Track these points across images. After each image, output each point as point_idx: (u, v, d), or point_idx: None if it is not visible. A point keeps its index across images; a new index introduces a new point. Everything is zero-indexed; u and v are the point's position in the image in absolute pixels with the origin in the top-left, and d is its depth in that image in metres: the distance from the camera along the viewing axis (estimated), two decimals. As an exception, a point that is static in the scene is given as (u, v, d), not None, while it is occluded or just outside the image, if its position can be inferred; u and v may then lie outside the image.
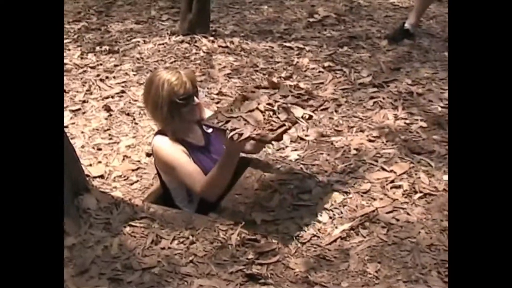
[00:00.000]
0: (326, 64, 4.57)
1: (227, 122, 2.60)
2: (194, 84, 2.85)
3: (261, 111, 2.63)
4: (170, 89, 2.76)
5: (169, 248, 2.66)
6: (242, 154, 3.00)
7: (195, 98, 2.84)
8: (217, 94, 4.22)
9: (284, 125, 2.56)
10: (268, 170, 3.23)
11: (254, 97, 2.78)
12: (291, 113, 2.62)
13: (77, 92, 4.41)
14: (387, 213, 2.80)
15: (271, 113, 2.62)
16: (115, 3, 7.26)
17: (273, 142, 3.20)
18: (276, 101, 2.71)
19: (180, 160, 2.84)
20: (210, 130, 2.86)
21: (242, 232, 2.72)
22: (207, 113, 3.01)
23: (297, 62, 4.69)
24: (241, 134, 2.49)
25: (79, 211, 2.85)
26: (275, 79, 2.96)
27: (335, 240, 2.65)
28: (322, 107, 3.88)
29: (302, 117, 2.63)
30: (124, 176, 3.28)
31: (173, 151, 2.86)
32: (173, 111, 2.81)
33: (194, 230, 2.76)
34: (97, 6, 7.10)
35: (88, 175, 3.20)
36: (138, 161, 3.45)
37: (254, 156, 3.42)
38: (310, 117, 2.69)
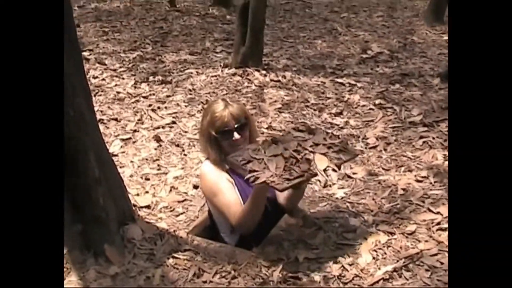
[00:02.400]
0: (377, 102, 4.55)
1: (249, 162, 2.61)
2: (239, 119, 2.87)
3: (285, 157, 2.60)
4: (210, 121, 2.83)
5: (210, 282, 2.66)
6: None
7: (234, 133, 2.85)
8: (266, 128, 4.25)
9: (303, 175, 2.53)
10: (313, 207, 3.21)
11: (285, 140, 2.75)
12: (314, 165, 2.58)
13: (128, 121, 4.51)
14: (431, 255, 2.73)
15: (294, 161, 2.59)
16: (170, 33, 7.44)
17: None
18: (305, 148, 2.68)
19: (222, 187, 2.87)
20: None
21: (284, 269, 2.70)
22: None
23: (348, 98, 4.68)
24: (257, 178, 2.50)
25: (124, 240, 2.89)
26: (313, 126, 2.90)
27: (377, 282, 2.60)
28: (370, 146, 3.88)
29: (325, 170, 2.58)
30: (170, 208, 3.32)
31: (217, 178, 2.89)
32: (212, 143, 2.87)
33: (236, 265, 2.76)
34: (152, 36, 7.30)
35: (135, 205, 3.25)
36: (185, 193, 3.49)
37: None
38: (334, 170, 2.64)
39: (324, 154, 2.66)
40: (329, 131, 4.14)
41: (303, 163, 2.59)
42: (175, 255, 2.83)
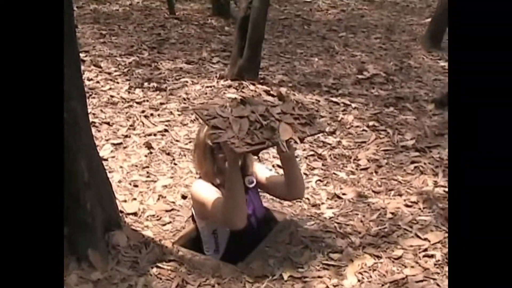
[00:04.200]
0: (370, 123, 4.55)
1: (214, 118, 2.57)
2: None
3: (250, 121, 2.57)
4: (207, 132, 2.76)
5: (193, 294, 2.64)
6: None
7: None
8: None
9: (263, 142, 2.51)
10: (301, 226, 3.19)
11: (253, 103, 2.71)
12: (277, 134, 2.55)
13: (120, 126, 4.48)
14: (417, 282, 2.72)
15: (258, 125, 2.56)
16: (168, 40, 7.42)
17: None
18: (272, 115, 2.63)
19: (207, 193, 2.84)
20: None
21: (268, 287, 2.68)
22: (256, 166, 3.03)
23: (342, 118, 4.68)
24: (219, 136, 2.49)
25: (109, 246, 2.86)
26: (285, 92, 2.88)
27: (361, 305, 2.59)
28: (361, 168, 3.88)
29: (287, 141, 2.55)
30: (157, 216, 3.29)
31: (204, 188, 2.87)
32: (206, 154, 2.83)
33: (220, 279, 2.74)
34: (150, 42, 7.28)
35: (121, 211, 3.21)
36: (173, 202, 3.46)
37: (288, 210, 3.41)
38: (296, 143, 2.62)
39: (289, 124, 2.61)
40: (320, 150, 4.15)
41: (267, 130, 2.55)
42: (159, 264, 2.81)
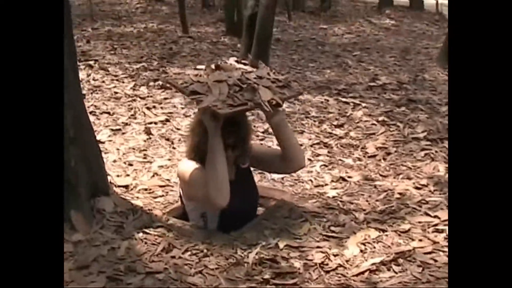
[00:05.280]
0: (380, 119, 4.35)
1: (191, 84, 2.50)
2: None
3: (229, 84, 2.50)
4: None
5: (179, 257, 2.43)
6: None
7: None
8: (262, 132, 4.06)
9: (246, 104, 2.45)
10: (302, 203, 2.99)
11: (228, 69, 2.65)
12: (258, 95, 2.48)
13: (121, 115, 4.33)
14: (425, 253, 2.49)
15: (237, 88, 2.50)
16: (179, 53, 7.34)
17: None
18: (248, 79, 2.56)
19: (191, 169, 2.65)
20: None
21: (261, 253, 2.46)
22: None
23: (351, 114, 4.49)
24: (200, 101, 2.41)
25: (93, 210, 2.67)
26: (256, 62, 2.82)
27: (363, 272, 2.36)
28: (369, 155, 3.68)
29: (269, 101, 2.49)
30: (150, 190, 3.10)
31: (188, 165, 2.68)
32: (200, 134, 2.66)
33: (210, 245, 2.53)
34: (160, 54, 7.20)
35: (112, 183, 3.03)
36: (168, 179, 3.28)
37: (290, 189, 3.21)
38: (278, 104, 2.53)
39: (267, 87, 2.56)
40: (327, 140, 3.97)
41: (247, 92, 2.49)
42: (146, 230, 2.61)
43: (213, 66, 2.69)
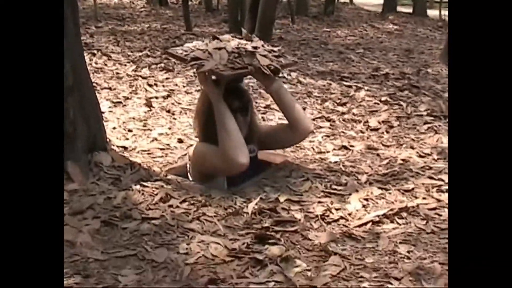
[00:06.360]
0: (383, 99, 4.30)
1: (191, 52, 2.57)
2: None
3: (228, 51, 2.57)
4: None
5: (177, 207, 2.37)
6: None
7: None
8: (264, 107, 4.01)
9: (246, 67, 2.52)
10: (303, 167, 2.93)
11: (225, 39, 2.72)
12: (257, 60, 2.57)
13: (122, 91, 4.29)
14: (429, 209, 2.43)
15: (236, 55, 2.57)
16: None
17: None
18: (245, 49, 2.63)
19: (206, 148, 2.67)
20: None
21: (261, 204, 2.41)
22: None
23: (353, 94, 4.45)
24: (201, 66, 2.46)
25: (91, 164, 2.61)
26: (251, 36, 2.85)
27: (365, 224, 2.30)
28: (372, 128, 3.62)
29: (268, 66, 2.57)
30: (149, 151, 3.05)
31: (203, 145, 2.72)
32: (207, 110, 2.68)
33: (209, 197, 2.48)
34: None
35: (110, 141, 2.98)
36: (168, 144, 3.23)
37: (291, 154, 3.15)
38: (277, 69, 2.62)
39: (264, 56, 2.64)
40: (329, 115, 3.92)
41: (247, 57, 2.57)
42: (144, 183, 2.55)
43: (211, 37, 2.76)
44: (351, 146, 3.27)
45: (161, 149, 3.11)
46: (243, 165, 2.50)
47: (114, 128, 3.43)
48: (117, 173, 2.60)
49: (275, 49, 2.78)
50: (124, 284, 1.82)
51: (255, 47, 2.69)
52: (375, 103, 4.18)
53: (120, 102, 3.98)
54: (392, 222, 2.32)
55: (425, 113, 3.91)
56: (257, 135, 2.81)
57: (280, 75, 2.90)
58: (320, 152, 3.17)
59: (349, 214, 2.38)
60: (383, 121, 3.68)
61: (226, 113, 2.54)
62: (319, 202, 2.48)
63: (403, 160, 3.01)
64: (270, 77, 2.62)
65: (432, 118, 3.74)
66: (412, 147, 3.24)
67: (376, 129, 3.58)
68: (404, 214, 2.37)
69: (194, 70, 2.65)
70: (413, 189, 2.63)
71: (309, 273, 1.93)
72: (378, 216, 2.34)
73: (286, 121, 2.78)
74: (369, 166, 2.96)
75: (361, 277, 1.91)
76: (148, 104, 3.89)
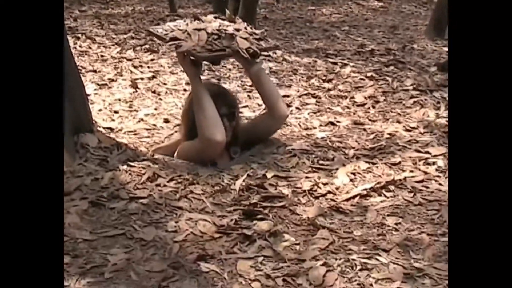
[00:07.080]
0: (369, 75, 4.30)
1: (171, 31, 2.61)
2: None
3: (207, 33, 2.60)
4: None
5: (164, 185, 2.37)
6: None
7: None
8: (250, 85, 4.00)
9: (224, 50, 2.55)
10: (290, 143, 2.93)
11: (206, 20, 2.75)
12: (236, 43, 2.59)
13: (107, 73, 4.27)
14: (416, 182, 2.44)
15: (215, 37, 2.60)
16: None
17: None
18: (226, 31, 2.66)
19: (191, 143, 2.71)
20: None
21: (248, 181, 2.41)
22: None
23: (339, 71, 4.44)
24: (179, 46, 2.51)
25: (77, 145, 2.60)
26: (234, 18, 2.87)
27: (353, 197, 2.32)
28: (358, 104, 3.63)
29: (246, 49, 2.59)
30: (135, 131, 3.04)
31: (189, 142, 2.74)
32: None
33: (196, 175, 2.48)
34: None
35: (96, 123, 2.96)
36: (154, 125, 3.22)
37: (277, 131, 3.15)
38: (255, 53, 2.65)
39: (245, 39, 2.66)
40: (315, 92, 3.92)
41: (226, 39, 2.61)
42: (131, 163, 2.54)
43: (192, 17, 2.80)
44: (337, 121, 3.27)
45: (147, 129, 3.11)
46: (219, 142, 2.57)
47: (100, 110, 3.42)
48: (103, 154, 2.59)
49: (257, 32, 2.82)
50: (113, 263, 1.82)
51: (237, 29, 2.72)
52: (360, 79, 4.17)
53: (106, 84, 3.95)
54: (379, 195, 2.34)
55: (411, 87, 3.91)
56: (241, 137, 2.85)
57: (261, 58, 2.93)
58: (306, 128, 3.17)
59: (337, 189, 2.40)
60: (369, 97, 3.68)
61: (203, 94, 2.59)
62: (307, 177, 2.49)
63: (389, 134, 3.02)
64: (248, 60, 2.66)
65: (418, 92, 3.75)
66: (398, 121, 3.25)
67: (362, 105, 3.58)
68: (392, 187, 2.39)
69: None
70: (400, 162, 2.64)
71: (297, 247, 1.94)
72: (365, 189, 2.36)
73: (263, 113, 2.83)
74: (356, 141, 2.97)
75: (350, 249, 1.93)
76: (134, 86, 3.87)
